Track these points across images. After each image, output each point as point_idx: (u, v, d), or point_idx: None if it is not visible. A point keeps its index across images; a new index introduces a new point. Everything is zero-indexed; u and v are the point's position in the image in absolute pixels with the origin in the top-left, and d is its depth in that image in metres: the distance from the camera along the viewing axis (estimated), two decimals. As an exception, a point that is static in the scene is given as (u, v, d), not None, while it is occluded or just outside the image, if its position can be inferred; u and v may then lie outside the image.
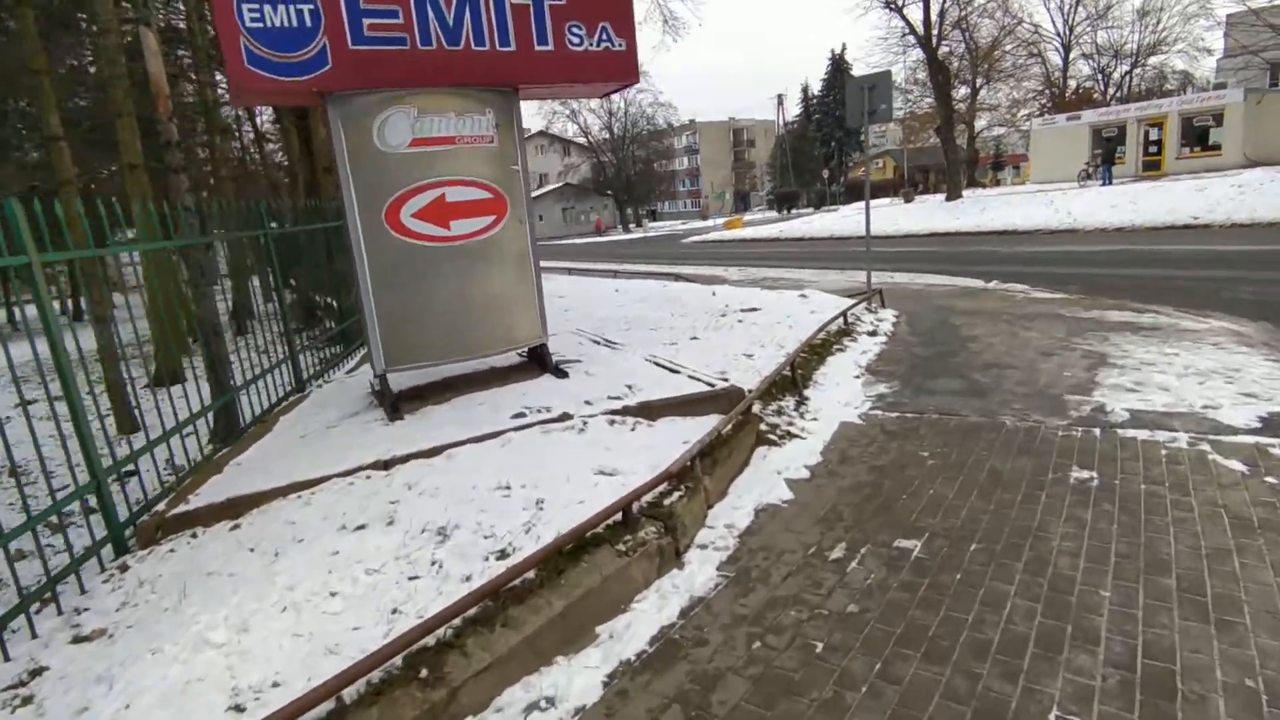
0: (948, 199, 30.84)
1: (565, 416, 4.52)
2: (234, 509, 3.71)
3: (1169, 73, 43.55)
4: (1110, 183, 26.42)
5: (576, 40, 5.22)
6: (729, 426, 4.66)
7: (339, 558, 3.14)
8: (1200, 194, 19.60)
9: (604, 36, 5.30)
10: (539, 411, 4.66)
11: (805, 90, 68.07)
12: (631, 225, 62.70)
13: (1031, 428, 4.98)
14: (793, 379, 6.17)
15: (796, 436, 5.14)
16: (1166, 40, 40.50)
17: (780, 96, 64.32)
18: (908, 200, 38.71)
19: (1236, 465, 4.07)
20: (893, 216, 29.05)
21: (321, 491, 3.79)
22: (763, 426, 5.14)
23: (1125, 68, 42.81)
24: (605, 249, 37.54)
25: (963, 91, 40.53)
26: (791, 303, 9.93)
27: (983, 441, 4.81)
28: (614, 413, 4.62)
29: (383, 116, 4.78)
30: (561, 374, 5.48)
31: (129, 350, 7.13)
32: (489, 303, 5.27)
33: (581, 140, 60.88)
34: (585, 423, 4.44)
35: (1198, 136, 29.25)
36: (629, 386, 5.16)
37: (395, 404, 5.00)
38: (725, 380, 5.35)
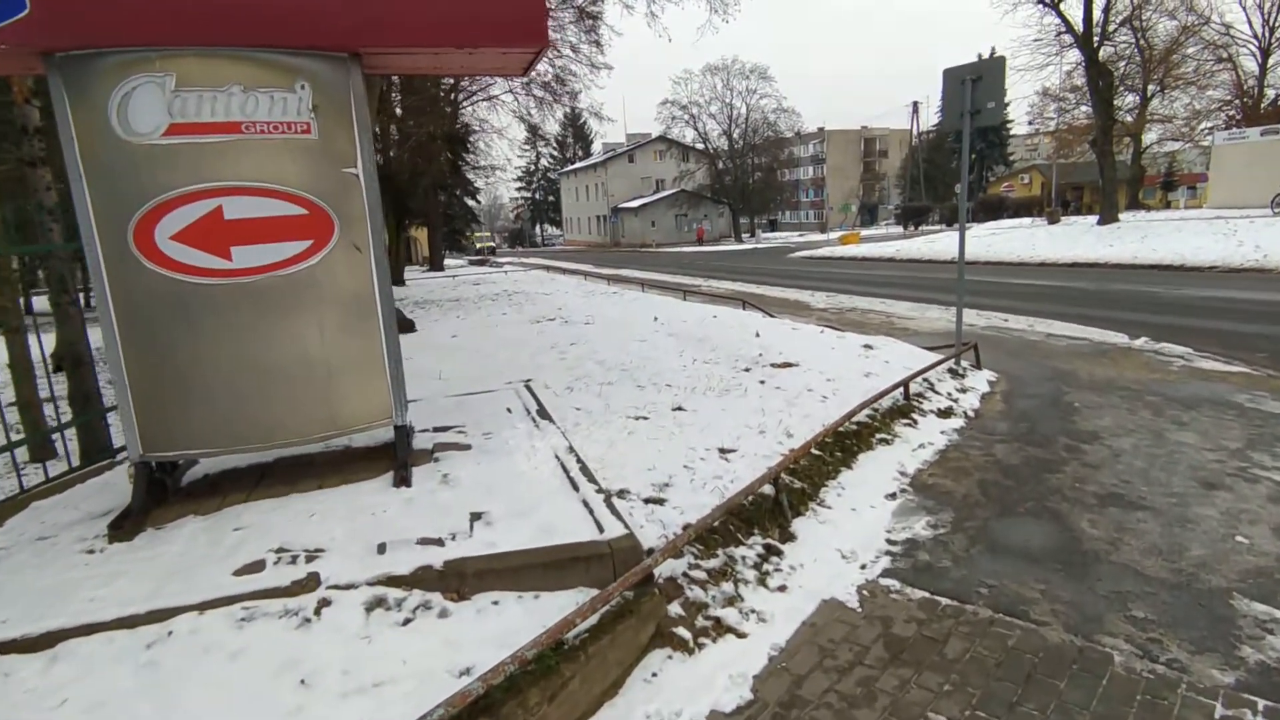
0: (1100, 222, 26.55)
1: (305, 584, 2.73)
2: None
3: (1400, 81, 36.04)
4: (1316, 211, 21.53)
5: (446, -21, 3.43)
6: (581, 627, 2.71)
7: None
8: None
9: (490, -26, 3.47)
10: (289, 561, 2.90)
11: (942, 105, 62.79)
12: (745, 235, 60.14)
13: (1162, 682, 2.67)
14: (776, 500, 4.07)
15: (731, 632, 3.08)
16: (1397, 43, 33.42)
17: (915, 104, 59.22)
18: (1052, 221, 34.07)
19: None
20: (1031, 240, 25.26)
21: None
22: (677, 608, 3.12)
23: (1342, 75, 35.80)
24: (703, 260, 35.56)
25: (1129, 99, 35.28)
26: (847, 356, 7.66)
27: (1057, 708, 2.56)
28: (398, 581, 2.77)
29: (123, 89, 3.19)
30: (403, 479, 3.69)
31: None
32: (299, 368, 3.58)
33: (700, 146, 58.93)
34: (323, 606, 2.62)
35: None
36: (477, 516, 3.30)
37: (125, 516, 3.40)
38: (625, 521, 3.37)
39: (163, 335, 3.42)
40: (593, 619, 2.75)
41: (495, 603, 2.79)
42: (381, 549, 3.01)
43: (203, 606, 2.62)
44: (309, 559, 2.93)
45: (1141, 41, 32.02)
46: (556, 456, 4.09)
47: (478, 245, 63.29)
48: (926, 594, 3.38)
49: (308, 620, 2.56)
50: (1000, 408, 6.45)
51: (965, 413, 6.27)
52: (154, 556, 3.06)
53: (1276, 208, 24.00)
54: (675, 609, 3.11)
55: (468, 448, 4.28)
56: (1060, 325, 10.56)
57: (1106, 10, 26.57)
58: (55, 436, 5.41)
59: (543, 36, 3.59)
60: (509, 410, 5.11)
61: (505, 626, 2.66)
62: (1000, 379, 7.45)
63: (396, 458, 3.85)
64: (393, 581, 2.78)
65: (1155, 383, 7.02)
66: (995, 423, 6.01)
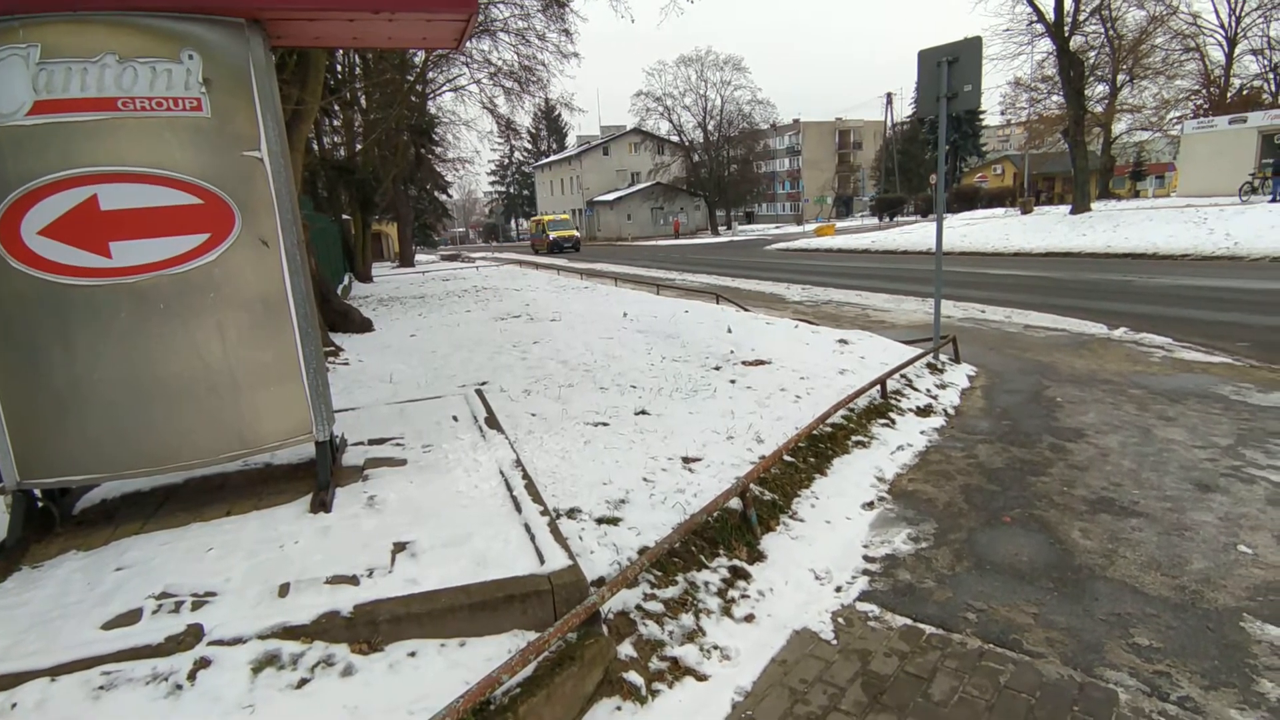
0: (1073, 211, 26.62)
1: (183, 640, 2.31)
2: None
3: (1360, 71, 36.54)
4: (1281, 199, 21.65)
5: (358, -66, 2.99)
6: (511, 682, 2.32)
7: None
8: None
9: (410, -71, 3.05)
10: (171, 610, 2.48)
11: (917, 88, 62.77)
12: (721, 228, 59.85)
13: (1175, 726, 2.35)
14: (744, 515, 3.71)
15: (690, 674, 2.71)
16: (1360, 33, 33.84)
17: (889, 95, 59.18)
18: (1025, 211, 34.24)
19: None
20: (1005, 230, 25.22)
21: None
22: (629, 648, 2.74)
23: (1305, 64, 36.23)
24: (679, 253, 35.18)
25: (1100, 89, 35.46)
26: (822, 352, 7.33)
27: (1060, 761, 2.23)
28: (296, 632, 2.37)
29: (-25, 60, 2.73)
30: (322, 504, 3.27)
31: None
32: (199, 381, 3.14)
33: (675, 138, 58.42)
34: (200, 668, 2.21)
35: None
36: (401, 547, 2.90)
37: (-7, 554, 2.96)
38: (570, 549, 3.00)
39: (37, 344, 2.97)
40: (526, 671, 2.37)
41: (412, 654, 2.40)
42: (283, 591, 2.60)
43: (57, 671, 2.19)
44: (195, 606, 2.51)
45: (1111, 31, 32.13)
46: (501, 472, 3.69)
47: (551, 234, 43.78)
48: (909, 621, 3.03)
49: (179, 687, 2.14)
50: (981, 404, 6.16)
51: (945, 410, 5.96)
52: (18, 604, 2.62)
53: (1244, 196, 24.15)
54: (626, 649, 2.73)
55: (402, 463, 3.86)
56: (1038, 316, 10.35)
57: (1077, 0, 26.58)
58: None
59: (471, 1, 3.17)
60: (455, 419, 4.69)
61: (422, 685, 2.26)
62: (980, 373, 7.18)
63: (317, 478, 3.42)
64: (290, 633, 2.37)
65: (1138, 375, 6.78)
66: (976, 421, 5.71)
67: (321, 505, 3.25)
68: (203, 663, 2.23)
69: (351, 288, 18.84)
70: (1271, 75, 37.48)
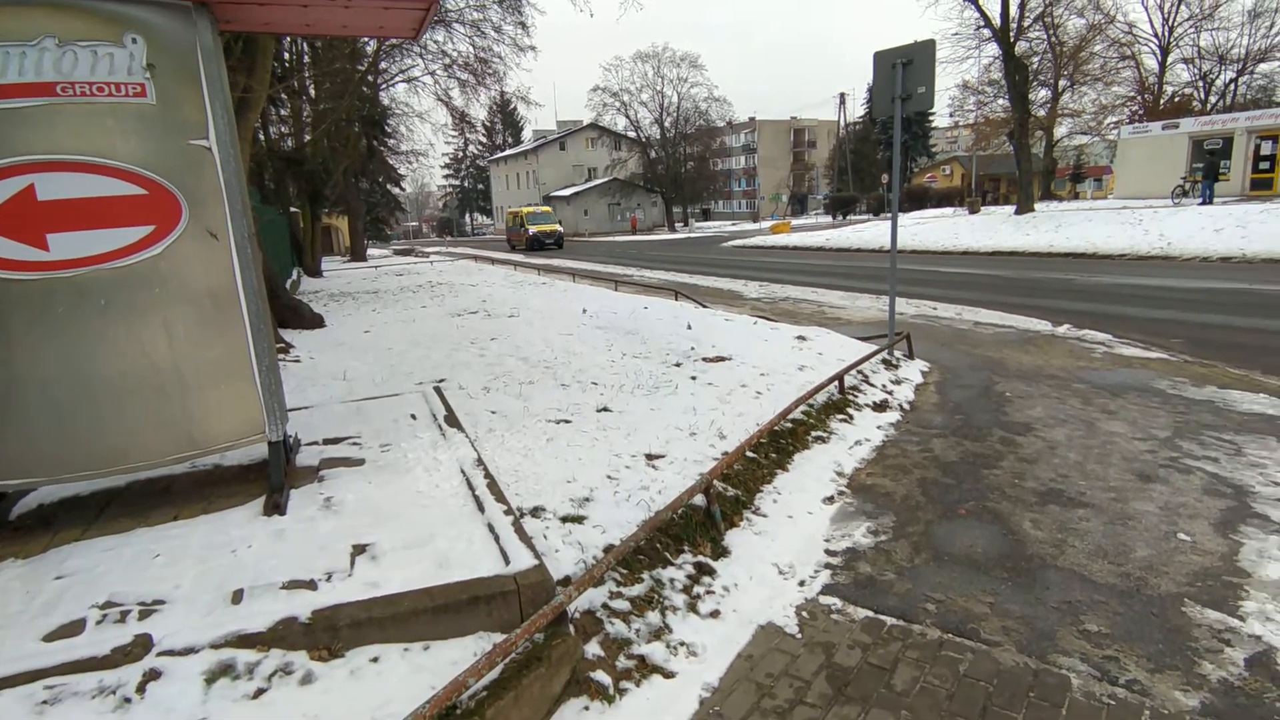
0: (1017, 211, 27.46)
1: (131, 651, 2.21)
2: None
3: (1282, 81, 38.58)
4: (1210, 201, 22.69)
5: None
6: (478, 685, 2.29)
7: None
8: (1330, 220, 16.10)
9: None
10: (116, 619, 2.37)
11: (871, 89, 63.94)
12: (678, 225, 60.05)
13: (1125, 709, 2.43)
14: (708, 512, 3.72)
15: (658, 672, 2.71)
16: (1280, 46, 35.69)
17: (842, 95, 60.12)
18: (973, 211, 35.24)
19: None
20: (953, 229, 25.90)
21: None
22: (595, 648, 2.73)
23: (1231, 74, 38.09)
24: (637, 249, 35.18)
25: (1043, 94, 36.67)
26: (781, 348, 7.41)
27: (1018, 747, 2.30)
28: (251, 640, 2.28)
29: (-104, 38, 2.56)
30: (276, 506, 3.17)
31: None
32: (144, 380, 3.01)
33: (632, 134, 58.30)
34: (149, 680, 2.12)
35: (1320, 152, 25.08)
36: (360, 549, 2.83)
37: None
38: (535, 548, 2.97)
39: (-36, 342, 2.80)
40: (492, 673, 2.33)
41: (375, 660, 2.34)
42: (237, 597, 2.50)
43: (-15, 688, 2.07)
44: (143, 615, 2.40)
45: (1053, 38, 33.25)
46: (462, 471, 3.63)
47: (530, 229, 38.71)
48: (870, 613, 3.09)
49: (127, 700, 2.05)
50: (934, 399, 6.31)
51: (900, 405, 6.09)
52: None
53: (1176, 198, 25.26)
54: (593, 648, 2.71)
55: (360, 463, 3.77)
56: (986, 313, 10.64)
57: (1022, 6, 27.42)
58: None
59: (431, -12, 3.10)
60: (413, 417, 4.60)
61: (385, 691, 2.21)
62: (933, 369, 7.35)
63: (270, 480, 3.31)
64: (244, 641, 2.28)
65: (1081, 370, 7.03)
66: (930, 415, 5.85)
67: (275, 507, 3.15)
68: (152, 674, 2.14)
69: (300, 282, 18.33)
70: (1201, 83, 39.33)
